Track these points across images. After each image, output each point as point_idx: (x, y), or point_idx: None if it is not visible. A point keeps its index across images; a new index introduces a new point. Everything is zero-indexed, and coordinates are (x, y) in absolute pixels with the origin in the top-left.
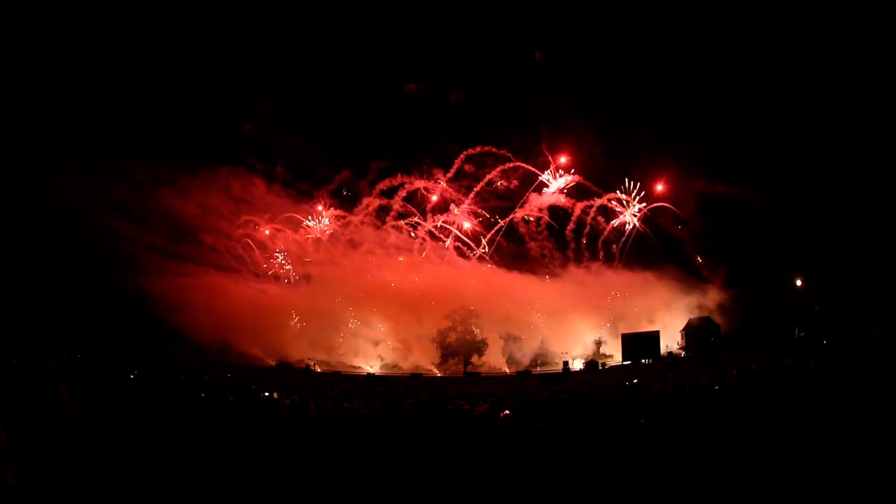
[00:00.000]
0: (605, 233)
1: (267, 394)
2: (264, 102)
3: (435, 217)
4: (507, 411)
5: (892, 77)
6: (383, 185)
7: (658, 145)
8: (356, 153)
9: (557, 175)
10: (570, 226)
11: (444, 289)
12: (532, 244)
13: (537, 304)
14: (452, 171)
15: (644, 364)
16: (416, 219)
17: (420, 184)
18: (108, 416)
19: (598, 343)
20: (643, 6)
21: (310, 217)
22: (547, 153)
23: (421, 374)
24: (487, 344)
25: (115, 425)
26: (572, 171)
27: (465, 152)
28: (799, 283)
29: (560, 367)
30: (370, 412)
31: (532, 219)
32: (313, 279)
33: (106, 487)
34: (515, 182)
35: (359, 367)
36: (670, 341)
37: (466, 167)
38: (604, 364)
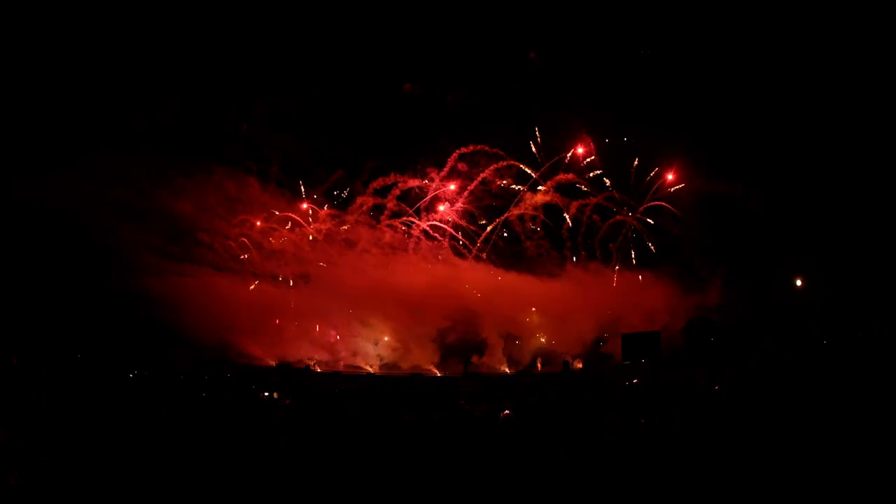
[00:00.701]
0: (601, 231)
1: (267, 394)
2: (261, 102)
3: (430, 216)
4: (507, 411)
5: (892, 77)
6: (377, 183)
7: (657, 145)
8: (350, 152)
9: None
10: (566, 224)
11: (443, 289)
12: (528, 243)
13: (537, 304)
14: (446, 169)
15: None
16: (410, 217)
17: (414, 183)
18: (108, 415)
19: (599, 343)
20: (643, 6)
21: (310, 214)
22: (539, 153)
23: (421, 374)
24: (487, 344)
25: (115, 425)
26: (571, 169)
27: (457, 151)
28: (799, 283)
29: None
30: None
31: (532, 223)
32: (312, 279)
33: (106, 487)
34: (510, 180)
35: (359, 367)
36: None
37: (460, 166)
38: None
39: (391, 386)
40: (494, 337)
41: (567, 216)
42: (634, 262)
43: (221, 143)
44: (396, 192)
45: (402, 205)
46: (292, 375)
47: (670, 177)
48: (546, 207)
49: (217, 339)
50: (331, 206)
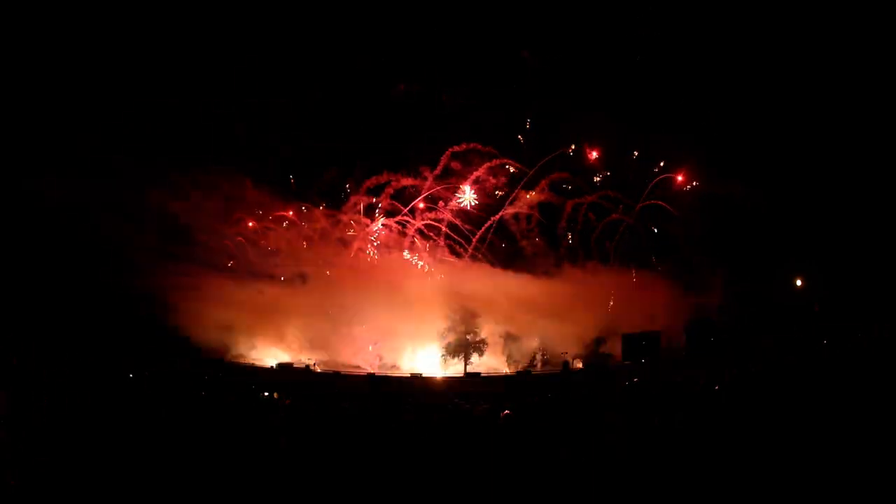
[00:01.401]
0: (597, 231)
1: (267, 394)
2: (258, 102)
3: (424, 215)
4: (507, 411)
5: (892, 77)
6: (370, 182)
7: (657, 144)
8: (344, 151)
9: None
10: (562, 223)
11: (443, 289)
12: (524, 242)
13: (536, 303)
14: (439, 168)
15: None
16: (405, 217)
17: (407, 181)
18: (108, 415)
19: (599, 343)
20: (643, 6)
21: (304, 209)
22: (531, 151)
23: (421, 374)
24: (487, 344)
25: (115, 425)
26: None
27: (450, 149)
28: (799, 283)
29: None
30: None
31: (527, 222)
32: (310, 278)
33: (106, 487)
34: (504, 179)
35: (359, 367)
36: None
37: (453, 164)
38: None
39: (391, 386)
40: (494, 337)
41: (562, 215)
42: (632, 261)
43: (218, 142)
44: (390, 190)
45: (396, 203)
46: (292, 375)
47: (679, 178)
48: (541, 206)
49: (216, 340)
50: (325, 206)
